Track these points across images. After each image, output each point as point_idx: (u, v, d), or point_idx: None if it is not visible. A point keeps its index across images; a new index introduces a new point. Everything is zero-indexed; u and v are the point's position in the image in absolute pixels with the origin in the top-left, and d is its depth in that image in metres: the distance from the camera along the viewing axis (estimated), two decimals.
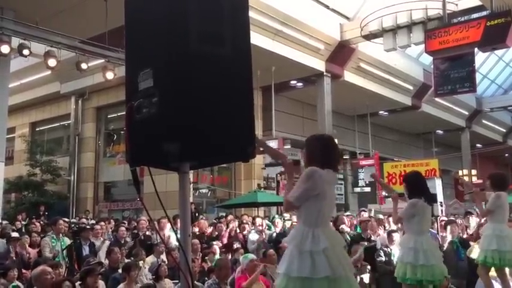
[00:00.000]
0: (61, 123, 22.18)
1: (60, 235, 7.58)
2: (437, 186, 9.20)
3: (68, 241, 7.59)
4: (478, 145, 31.50)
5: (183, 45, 2.14)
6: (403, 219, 5.03)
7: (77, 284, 5.26)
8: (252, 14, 13.10)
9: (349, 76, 18.92)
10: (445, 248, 7.73)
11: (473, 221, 9.67)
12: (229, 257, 7.94)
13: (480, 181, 29.03)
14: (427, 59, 18.92)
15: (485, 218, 6.28)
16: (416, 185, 5.00)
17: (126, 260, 7.01)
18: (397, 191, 5.68)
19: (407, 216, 4.88)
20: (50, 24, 11.97)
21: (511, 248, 5.51)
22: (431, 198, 5.11)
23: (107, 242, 8.23)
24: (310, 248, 2.99)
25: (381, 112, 24.25)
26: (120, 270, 6.27)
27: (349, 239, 8.10)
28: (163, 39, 2.18)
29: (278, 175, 18.03)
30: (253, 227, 10.99)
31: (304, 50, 16.56)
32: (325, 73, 17.87)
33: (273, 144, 17.26)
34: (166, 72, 2.13)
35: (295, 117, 21.25)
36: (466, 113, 27.80)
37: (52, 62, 11.75)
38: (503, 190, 5.71)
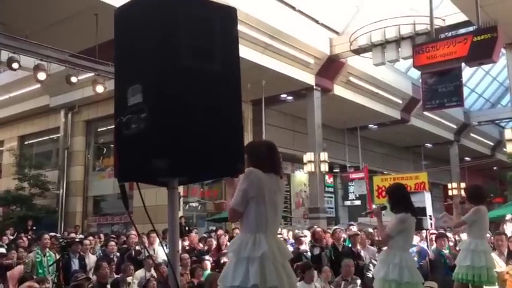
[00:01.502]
0: (50, 137, 22.02)
1: (47, 250, 7.49)
2: (426, 200, 9.22)
3: (54, 256, 7.51)
4: (467, 158, 31.77)
5: (173, 61, 2.15)
6: (392, 236, 4.76)
7: None
8: (242, 28, 13.25)
9: (339, 90, 19.06)
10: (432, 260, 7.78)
11: (465, 234, 9.71)
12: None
13: None
14: (416, 73, 19.13)
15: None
16: (399, 197, 4.84)
17: (115, 276, 6.95)
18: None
19: (396, 232, 4.68)
20: (40, 37, 11.95)
21: (487, 264, 5.33)
22: (415, 211, 4.90)
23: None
24: (248, 254, 2.83)
25: (370, 125, 24.41)
26: (108, 286, 6.20)
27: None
28: (153, 55, 2.19)
29: None
30: None
31: (294, 64, 16.69)
32: (315, 87, 17.99)
33: None
34: (155, 88, 2.14)
35: (285, 131, 21.31)
36: (455, 126, 28.09)
37: (42, 76, 11.72)
38: (481, 203, 5.57)
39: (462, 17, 13.73)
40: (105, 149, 20.24)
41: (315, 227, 10.54)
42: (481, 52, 10.23)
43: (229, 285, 2.84)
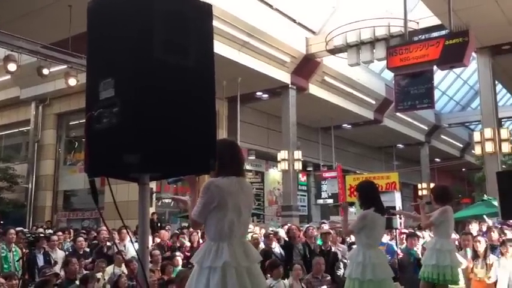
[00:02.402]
0: (20, 129, 21.51)
1: (12, 245, 7.34)
2: (396, 199, 9.39)
3: (19, 252, 7.37)
4: (437, 159, 32.45)
5: (147, 55, 2.13)
6: (354, 232, 4.90)
7: None
8: (219, 25, 13.21)
9: (314, 89, 19.21)
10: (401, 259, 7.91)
11: (426, 234, 9.98)
12: None
13: None
14: (389, 75, 19.43)
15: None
16: (367, 194, 4.86)
17: (85, 272, 6.85)
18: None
19: (357, 228, 4.71)
20: (11, 27, 11.67)
21: (452, 263, 5.38)
22: (383, 209, 4.90)
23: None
24: (209, 264, 2.78)
25: (344, 125, 24.68)
26: (77, 282, 6.11)
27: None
28: (127, 49, 2.16)
29: None
30: None
31: (270, 62, 16.73)
32: (290, 85, 18.09)
33: None
34: (128, 82, 2.11)
35: (260, 128, 21.36)
36: (426, 128, 28.63)
37: (12, 67, 11.46)
38: (447, 203, 5.63)
39: (435, 21, 14.01)
40: (76, 143, 19.90)
41: (289, 224, 10.60)
42: (453, 56, 10.44)
43: None
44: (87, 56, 2.46)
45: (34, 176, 19.48)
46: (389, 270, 4.75)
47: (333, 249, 8.18)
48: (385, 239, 9.08)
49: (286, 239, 9.02)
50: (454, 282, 5.14)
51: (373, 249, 4.68)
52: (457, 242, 7.79)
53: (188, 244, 9.71)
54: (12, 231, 7.55)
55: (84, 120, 2.24)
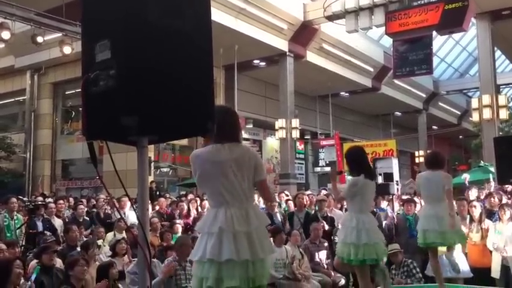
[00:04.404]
0: (16, 99, 21.37)
1: (14, 213, 7.40)
2: (393, 166, 9.46)
3: (22, 219, 7.42)
4: (434, 127, 32.50)
5: (142, 17, 2.09)
6: (346, 199, 4.89)
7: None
8: None
9: (312, 56, 19.05)
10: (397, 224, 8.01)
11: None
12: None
13: None
14: (388, 42, 19.24)
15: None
16: (355, 161, 4.81)
17: (85, 239, 6.93)
18: None
19: (349, 195, 4.72)
20: None
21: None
22: (372, 174, 4.89)
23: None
24: (207, 229, 2.88)
25: (341, 93, 24.60)
26: (78, 249, 6.18)
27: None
28: (122, 10, 2.12)
29: None
30: None
31: (268, 29, 16.53)
32: (288, 53, 17.93)
33: None
34: (124, 44, 2.08)
35: (257, 97, 21.28)
36: (424, 95, 28.56)
37: (6, 35, 11.30)
38: (437, 169, 5.32)
39: None
40: (73, 112, 19.84)
41: (301, 192, 10.53)
42: (452, 20, 10.35)
43: (193, 260, 2.95)
44: (81, 19, 2.42)
45: (32, 146, 19.47)
46: (381, 235, 4.80)
47: (329, 214, 8.25)
48: (383, 204, 9.18)
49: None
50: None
51: (365, 214, 4.71)
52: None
53: (186, 209, 9.79)
54: (13, 199, 7.59)
55: (80, 89, 2.21)
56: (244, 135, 18.98)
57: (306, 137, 25.79)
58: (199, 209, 10.56)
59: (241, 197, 2.94)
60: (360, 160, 4.83)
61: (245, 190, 2.97)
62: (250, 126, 21.53)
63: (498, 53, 20.57)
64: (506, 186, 8.85)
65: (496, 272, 6.36)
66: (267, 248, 2.98)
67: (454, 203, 7.03)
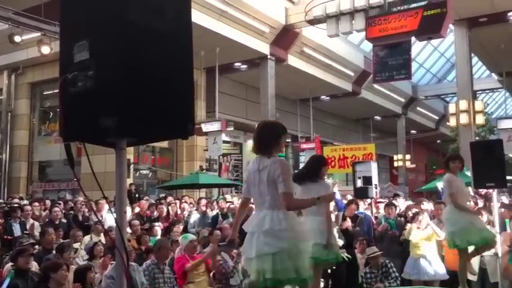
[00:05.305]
0: None
1: None
2: (372, 169, 9.53)
3: None
4: (413, 131, 32.92)
5: (122, 16, 2.07)
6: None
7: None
8: None
9: (293, 60, 19.12)
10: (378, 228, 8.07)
11: (401, 202, 10.27)
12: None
13: (414, 166, 30.55)
14: (368, 47, 19.44)
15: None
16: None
17: (62, 241, 6.81)
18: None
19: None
20: None
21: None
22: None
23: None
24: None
25: (322, 97, 24.73)
26: (54, 252, 6.08)
27: None
28: (101, 9, 2.10)
29: (220, 157, 18.06)
30: (195, 208, 10.98)
31: (249, 32, 16.54)
32: (269, 56, 17.96)
33: (216, 126, 17.23)
34: (103, 44, 2.05)
35: (238, 100, 21.26)
36: (403, 100, 28.91)
37: None
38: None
39: None
40: (51, 113, 19.51)
41: None
42: (430, 26, 10.51)
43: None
44: (60, 18, 2.38)
45: (8, 147, 19.11)
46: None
47: None
48: (361, 208, 9.25)
49: None
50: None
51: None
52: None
53: (166, 211, 9.73)
54: None
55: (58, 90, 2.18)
56: (225, 138, 18.92)
57: (287, 140, 25.86)
58: (179, 211, 10.51)
59: (263, 203, 3.51)
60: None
61: (264, 197, 3.50)
62: (231, 129, 21.48)
63: (475, 59, 20.96)
64: (481, 190, 9.02)
65: (472, 275, 6.45)
66: (262, 249, 3.41)
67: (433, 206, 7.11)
